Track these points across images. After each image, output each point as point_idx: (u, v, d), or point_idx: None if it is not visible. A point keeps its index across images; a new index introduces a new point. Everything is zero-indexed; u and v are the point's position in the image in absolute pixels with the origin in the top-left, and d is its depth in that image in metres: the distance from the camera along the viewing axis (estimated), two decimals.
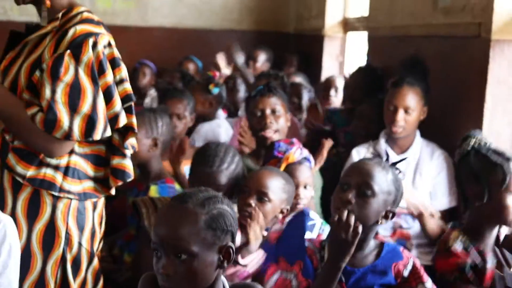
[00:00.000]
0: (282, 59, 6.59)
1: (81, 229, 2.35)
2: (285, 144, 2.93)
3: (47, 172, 2.25)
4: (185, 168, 3.51)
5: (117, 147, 2.37)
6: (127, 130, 2.35)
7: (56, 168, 2.26)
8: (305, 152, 2.94)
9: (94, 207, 2.40)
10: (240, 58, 4.79)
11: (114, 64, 2.29)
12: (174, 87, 4.57)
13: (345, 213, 2.19)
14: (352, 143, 3.77)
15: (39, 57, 2.22)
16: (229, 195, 2.68)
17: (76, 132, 2.19)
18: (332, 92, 4.96)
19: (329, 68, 6.07)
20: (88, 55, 2.20)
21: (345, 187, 2.28)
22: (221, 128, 4.41)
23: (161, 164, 3.33)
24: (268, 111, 3.33)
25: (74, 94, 2.17)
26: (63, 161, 2.27)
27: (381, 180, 2.27)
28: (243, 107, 4.95)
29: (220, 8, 7.29)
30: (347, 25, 6.06)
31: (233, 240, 1.82)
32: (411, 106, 3.31)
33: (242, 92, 4.94)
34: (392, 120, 3.32)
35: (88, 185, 2.34)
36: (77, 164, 2.31)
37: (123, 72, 2.32)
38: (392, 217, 2.32)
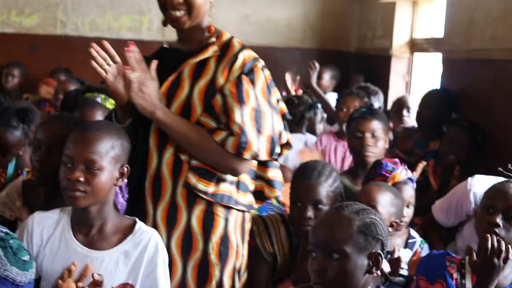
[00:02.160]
0: (345, 77, 6.69)
1: (243, 240, 2.49)
2: (391, 164, 3.04)
3: (226, 187, 2.39)
4: None
5: (270, 161, 2.48)
6: (281, 145, 2.49)
7: (231, 183, 2.40)
8: (409, 173, 3.05)
9: (248, 218, 2.55)
10: (314, 80, 4.91)
11: (271, 85, 2.43)
12: None
13: (495, 237, 2.29)
14: (436, 163, 3.85)
15: (212, 81, 2.33)
16: None
17: (263, 152, 2.33)
18: (405, 112, 5.04)
19: (396, 88, 6.15)
20: (261, 79, 2.35)
21: (490, 210, 2.45)
22: (302, 142, 4.53)
23: None
24: (368, 134, 3.41)
25: (258, 117, 2.31)
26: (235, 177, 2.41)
27: None
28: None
29: (284, 26, 7.42)
30: (415, 46, 6.15)
31: (382, 249, 1.96)
32: None
33: (319, 113, 5.05)
34: None
35: (250, 197, 2.49)
36: (244, 179, 2.45)
37: (278, 92, 2.47)
38: None
